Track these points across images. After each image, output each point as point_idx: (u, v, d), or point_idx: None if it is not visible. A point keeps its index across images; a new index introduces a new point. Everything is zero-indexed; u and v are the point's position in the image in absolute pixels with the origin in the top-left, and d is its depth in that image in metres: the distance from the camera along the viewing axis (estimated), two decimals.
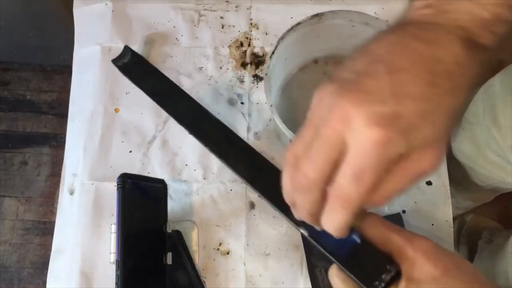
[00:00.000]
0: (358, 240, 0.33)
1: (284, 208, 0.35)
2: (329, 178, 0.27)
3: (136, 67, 0.44)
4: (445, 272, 0.31)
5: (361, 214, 0.33)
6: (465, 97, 0.27)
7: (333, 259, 0.33)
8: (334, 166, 0.27)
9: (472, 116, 0.67)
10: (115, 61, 0.44)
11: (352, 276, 0.32)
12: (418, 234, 0.33)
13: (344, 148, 0.26)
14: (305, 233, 0.34)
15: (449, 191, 0.60)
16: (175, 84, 0.42)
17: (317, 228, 0.32)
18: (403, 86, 0.26)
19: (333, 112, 0.26)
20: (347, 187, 0.27)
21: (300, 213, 0.31)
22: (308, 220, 0.31)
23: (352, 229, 0.33)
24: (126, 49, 0.45)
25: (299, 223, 0.34)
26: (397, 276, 0.32)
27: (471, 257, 0.97)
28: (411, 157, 0.27)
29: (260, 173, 0.37)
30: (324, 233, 0.31)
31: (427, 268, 0.31)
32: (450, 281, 0.30)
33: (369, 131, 0.25)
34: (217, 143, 0.38)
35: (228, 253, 0.58)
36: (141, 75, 0.44)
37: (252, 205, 0.60)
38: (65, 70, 1.35)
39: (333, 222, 0.29)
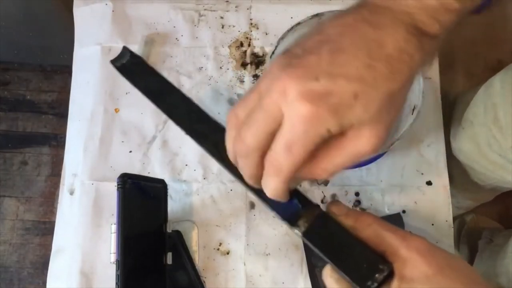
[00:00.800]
0: (299, 206, 0.34)
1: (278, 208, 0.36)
2: (266, 145, 0.29)
3: (134, 68, 0.44)
4: (439, 271, 0.31)
5: (297, 180, 0.33)
6: (405, 82, 0.28)
7: (323, 257, 0.33)
8: (271, 135, 0.28)
9: (473, 116, 0.67)
10: (113, 62, 0.44)
11: (345, 276, 0.32)
12: (412, 233, 0.33)
13: (281, 119, 0.28)
14: (298, 232, 0.35)
15: (449, 191, 0.60)
16: (173, 86, 0.42)
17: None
18: (340, 66, 0.27)
19: (274, 84, 0.27)
20: (279, 156, 0.28)
21: (243, 175, 0.32)
22: (250, 182, 0.32)
23: (294, 195, 0.34)
24: (125, 49, 0.45)
25: (292, 222, 0.35)
26: (390, 275, 0.32)
27: (471, 257, 0.97)
28: (347, 135, 0.28)
29: None
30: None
31: (421, 267, 0.31)
32: (443, 280, 0.30)
33: (299, 106, 0.26)
34: (215, 146, 0.38)
35: (228, 253, 0.58)
36: (140, 75, 0.44)
37: (252, 205, 0.60)
38: (65, 70, 1.35)
39: (268, 187, 0.30)
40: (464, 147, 0.71)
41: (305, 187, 0.60)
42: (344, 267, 0.33)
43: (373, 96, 0.27)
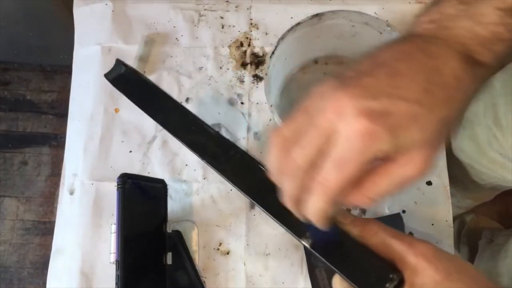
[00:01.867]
0: (336, 237, 0.33)
1: (283, 220, 0.36)
2: (316, 165, 0.28)
3: (128, 81, 0.44)
4: (447, 276, 0.31)
5: (343, 211, 0.33)
6: (459, 109, 0.28)
7: (333, 268, 0.33)
8: (322, 155, 0.28)
9: (473, 115, 0.67)
10: (107, 75, 0.44)
11: (355, 286, 0.32)
12: (419, 238, 0.33)
13: (335, 138, 0.27)
14: (306, 244, 0.34)
15: (449, 191, 0.60)
16: (169, 96, 0.42)
17: (300, 217, 0.32)
18: (399, 89, 0.27)
19: (329, 103, 0.27)
20: (328, 173, 0.28)
21: (284, 198, 0.32)
22: (290, 207, 0.32)
23: (335, 226, 0.33)
24: (118, 62, 0.44)
25: (299, 234, 0.35)
26: (400, 283, 0.32)
27: (471, 257, 0.97)
28: (398, 160, 0.28)
29: (259, 184, 0.37)
30: (319, 237, 0.32)
31: (429, 273, 0.31)
32: (452, 284, 0.31)
33: (357, 122, 0.26)
34: (213, 157, 0.38)
35: (228, 253, 0.58)
36: (134, 88, 0.43)
37: (252, 205, 0.60)
38: (65, 70, 1.35)
39: (312, 207, 0.30)
40: (464, 146, 0.71)
41: None
42: (353, 277, 0.33)
43: (430, 120, 0.27)
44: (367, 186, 0.29)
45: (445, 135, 0.29)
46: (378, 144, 0.26)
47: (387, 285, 0.31)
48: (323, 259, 0.34)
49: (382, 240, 0.33)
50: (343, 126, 0.27)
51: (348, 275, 0.33)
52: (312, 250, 0.34)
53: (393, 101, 0.26)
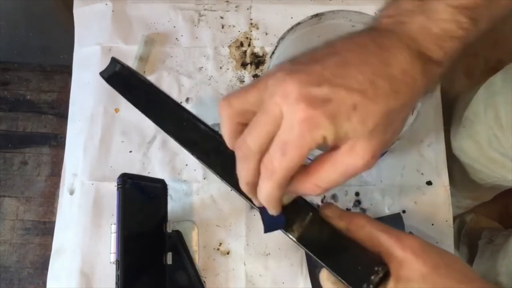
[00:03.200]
0: (282, 224, 0.34)
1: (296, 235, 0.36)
2: (266, 149, 0.29)
3: (123, 78, 0.44)
4: (434, 270, 0.31)
5: (290, 195, 0.33)
6: (407, 104, 0.29)
7: (319, 261, 0.33)
8: (272, 139, 0.28)
9: (473, 115, 0.67)
10: (102, 73, 0.44)
11: (341, 279, 0.32)
12: (406, 233, 0.33)
13: (280, 123, 0.28)
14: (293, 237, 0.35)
15: (449, 191, 0.60)
16: (163, 93, 0.42)
17: (255, 202, 0.33)
18: (344, 78, 0.27)
19: (278, 87, 0.28)
20: (274, 158, 0.28)
21: (240, 182, 0.32)
22: (245, 189, 0.32)
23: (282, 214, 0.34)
24: (113, 60, 0.44)
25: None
26: (386, 276, 0.32)
27: (471, 257, 0.97)
28: (341, 149, 0.28)
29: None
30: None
31: (416, 266, 0.31)
32: (439, 278, 0.31)
33: (297, 107, 0.27)
34: (206, 154, 0.38)
35: (228, 253, 0.58)
36: (128, 86, 0.43)
37: (252, 205, 0.60)
38: (65, 70, 1.35)
39: (262, 192, 0.30)
40: (464, 146, 0.71)
41: None
42: (339, 270, 0.33)
43: (372, 110, 0.27)
44: (314, 173, 0.30)
45: (393, 128, 0.29)
46: (319, 130, 0.27)
47: (372, 277, 0.32)
48: (309, 252, 0.34)
49: (369, 233, 0.33)
50: (286, 110, 0.27)
51: (333, 268, 0.33)
52: (298, 243, 0.34)
53: (335, 89, 0.27)
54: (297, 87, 0.27)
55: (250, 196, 0.33)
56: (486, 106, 0.64)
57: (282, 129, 0.28)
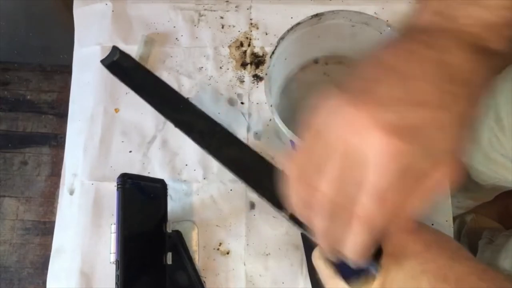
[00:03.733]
0: (374, 272, 0.31)
1: (264, 192, 0.36)
2: (346, 194, 0.25)
3: (123, 66, 0.45)
4: (427, 248, 0.30)
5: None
6: (478, 103, 0.26)
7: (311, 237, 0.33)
8: (352, 182, 0.25)
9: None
10: (103, 61, 0.45)
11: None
12: None
13: (362, 163, 0.24)
14: (286, 216, 0.34)
15: (449, 191, 0.60)
16: (162, 81, 0.43)
17: (331, 255, 0.30)
18: (417, 94, 0.24)
19: (344, 121, 0.24)
20: (368, 205, 0.25)
21: (317, 236, 0.28)
22: (324, 245, 0.29)
23: (372, 259, 0.32)
24: (114, 49, 0.46)
25: (279, 206, 0.35)
26: (379, 254, 0.32)
27: None
28: (430, 171, 0.25)
29: (259, 173, 0.37)
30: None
31: (409, 244, 0.31)
32: (431, 256, 0.30)
33: (384, 142, 0.23)
34: (199, 133, 0.39)
35: (228, 253, 0.58)
36: (129, 73, 0.45)
37: (252, 205, 0.60)
38: (65, 70, 1.35)
39: (353, 244, 0.27)
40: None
41: None
42: None
43: (455, 121, 0.25)
44: (404, 207, 0.26)
45: (468, 129, 0.26)
46: (414, 160, 0.24)
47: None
48: (302, 230, 0.34)
49: None
50: (369, 148, 0.24)
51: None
52: (291, 221, 0.35)
53: (415, 110, 0.24)
54: (372, 118, 0.23)
55: (330, 252, 0.29)
56: (487, 107, 0.64)
57: (372, 172, 0.24)
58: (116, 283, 0.47)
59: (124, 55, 0.45)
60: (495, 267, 0.77)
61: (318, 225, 0.28)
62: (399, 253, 0.31)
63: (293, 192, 0.28)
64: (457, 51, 0.26)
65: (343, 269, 0.33)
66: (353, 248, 0.27)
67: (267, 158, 0.38)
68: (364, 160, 0.24)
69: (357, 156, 0.24)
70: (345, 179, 0.25)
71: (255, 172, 0.36)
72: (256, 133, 0.62)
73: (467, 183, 0.79)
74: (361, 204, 0.25)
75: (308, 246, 0.57)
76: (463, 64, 0.25)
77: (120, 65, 0.45)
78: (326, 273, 0.34)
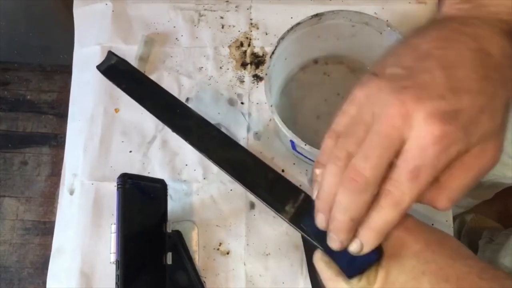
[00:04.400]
0: (375, 257, 0.31)
1: (261, 194, 0.36)
2: (380, 173, 0.26)
3: (120, 72, 0.45)
4: (427, 247, 0.30)
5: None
6: None
7: (310, 240, 0.34)
8: (388, 163, 0.26)
9: None
10: (99, 67, 0.45)
11: (334, 261, 0.33)
12: None
13: (402, 146, 0.26)
14: (285, 219, 0.35)
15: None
16: (158, 85, 0.43)
17: (335, 244, 0.30)
18: (459, 81, 0.25)
19: (392, 108, 0.25)
20: (403, 184, 0.26)
21: (342, 217, 0.28)
22: (347, 228, 0.29)
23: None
24: (110, 54, 0.46)
25: (278, 209, 0.35)
26: (380, 255, 0.32)
27: None
28: (471, 153, 0.26)
29: (258, 176, 0.37)
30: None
31: (408, 243, 0.30)
32: (432, 255, 0.30)
33: (431, 127, 0.24)
34: (201, 140, 0.39)
35: (228, 253, 0.58)
36: (126, 79, 0.45)
37: (252, 205, 0.60)
38: (65, 70, 1.35)
39: (378, 222, 0.28)
40: None
41: (305, 188, 0.60)
42: (332, 251, 0.33)
43: (495, 107, 0.26)
44: (446, 186, 0.27)
45: (507, 117, 0.28)
46: (455, 146, 0.25)
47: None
48: (301, 232, 0.34)
49: None
50: (415, 132, 0.25)
51: (326, 249, 0.33)
52: (291, 224, 0.35)
53: (459, 96, 0.25)
54: (419, 104, 0.25)
55: (345, 234, 0.29)
56: None
57: (412, 152, 0.25)
58: (116, 283, 0.47)
59: (120, 60, 0.45)
60: (495, 265, 0.77)
61: (349, 208, 0.28)
62: (400, 253, 0.31)
63: (330, 177, 0.28)
64: (490, 38, 0.27)
65: (338, 258, 0.33)
66: (383, 223, 0.27)
67: (267, 159, 0.38)
68: (408, 143, 0.25)
69: (400, 140, 0.25)
70: (386, 161, 0.26)
71: (254, 175, 0.36)
72: (256, 133, 0.62)
73: None
74: (392, 181, 0.26)
75: (308, 246, 0.57)
76: (498, 50, 0.26)
77: (116, 70, 0.45)
78: (327, 274, 0.34)
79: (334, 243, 0.30)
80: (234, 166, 0.38)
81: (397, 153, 0.26)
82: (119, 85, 0.44)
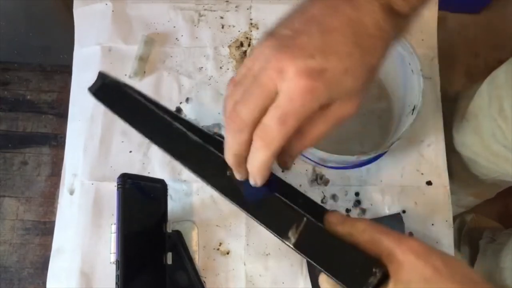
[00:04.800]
0: (269, 192, 0.35)
1: (236, 200, 0.38)
2: (258, 121, 0.31)
3: (111, 92, 0.44)
4: (436, 272, 0.30)
5: (335, 212, 0.36)
6: (382, 57, 0.32)
7: (316, 265, 0.33)
8: (264, 111, 0.31)
9: (477, 108, 0.67)
10: (90, 89, 0.44)
11: (338, 282, 0.32)
12: (408, 236, 0.33)
13: (275, 96, 0.30)
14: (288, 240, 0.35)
15: (449, 191, 0.60)
16: (156, 104, 0.42)
17: (238, 175, 0.35)
18: (331, 45, 0.30)
19: (271, 63, 0.30)
20: (271, 129, 0.30)
21: (226, 153, 0.34)
22: (231, 162, 0.34)
23: (271, 180, 0.35)
24: (100, 75, 0.44)
25: (280, 233, 0.35)
26: (385, 278, 0.32)
27: (472, 257, 0.97)
28: (332, 106, 0.31)
29: (260, 203, 0.37)
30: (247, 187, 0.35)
31: (417, 268, 0.31)
32: (441, 280, 0.30)
33: (298, 81, 0.29)
34: (199, 164, 0.38)
35: (228, 253, 0.58)
36: (118, 100, 0.44)
37: None
38: (65, 70, 1.35)
39: (256, 161, 0.32)
40: (467, 140, 0.71)
41: (305, 188, 0.60)
42: (337, 274, 0.33)
43: (360, 71, 0.30)
44: (307, 134, 0.33)
45: (373, 78, 0.32)
46: (317, 98, 0.30)
47: (370, 279, 0.31)
48: (306, 258, 0.34)
49: (370, 237, 0.33)
50: (285, 85, 0.29)
51: (331, 272, 0.33)
52: (296, 250, 0.34)
53: (327, 58, 0.29)
54: (292, 62, 0.29)
55: (235, 168, 0.34)
56: (490, 99, 0.64)
57: (281, 101, 0.30)
58: (116, 283, 0.47)
59: (112, 81, 0.44)
60: (497, 264, 0.77)
61: (230, 145, 0.33)
62: (407, 276, 0.31)
63: (226, 124, 0.33)
64: (368, 10, 0.31)
65: (247, 190, 0.36)
66: (256, 164, 0.32)
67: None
68: (280, 94, 0.30)
69: (274, 90, 0.30)
70: (261, 108, 0.31)
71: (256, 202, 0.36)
72: None
73: (468, 179, 0.79)
74: (263, 125, 0.31)
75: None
76: (372, 21, 0.31)
77: (109, 91, 0.44)
78: None
79: (235, 174, 0.36)
80: (234, 192, 0.38)
81: (272, 102, 0.30)
82: (110, 107, 0.44)
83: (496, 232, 0.99)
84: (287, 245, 0.34)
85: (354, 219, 0.35)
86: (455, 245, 0.65)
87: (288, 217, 0.35)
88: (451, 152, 0.74)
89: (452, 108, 0.75)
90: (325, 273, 0.33)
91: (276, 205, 0.35)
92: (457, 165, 0.77)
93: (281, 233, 0.35)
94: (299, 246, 0.34)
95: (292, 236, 0.34)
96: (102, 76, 0.43)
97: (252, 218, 0.36)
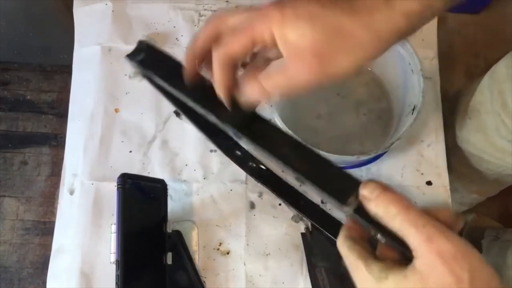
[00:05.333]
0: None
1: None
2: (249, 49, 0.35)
3: (152, 59, 0.44)
4: (458, 282, 0.29)
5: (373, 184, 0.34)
6: (365, 24, 0.32)
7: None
8: (251, 46, 0.34)
9: (479, 104, 0.67)
10: (130, 57, 0.43)
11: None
12: (442, 229, 0.31)
13: (259, 42, 0.34)
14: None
15: (449, 191, 0.60)
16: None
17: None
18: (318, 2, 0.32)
19: (264, 18, 0.33)
20: (228, 40, 0.35)
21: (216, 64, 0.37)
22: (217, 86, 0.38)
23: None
24: (141, 42, 0.44)
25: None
26: (407, 256, 0.31)
27: None
28: (291, 62, 0.33)
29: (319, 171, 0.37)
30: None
31: (439, 273, 0.29)
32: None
33: (264, 7, 0.32)
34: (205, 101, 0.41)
35: (228, 253, 0.58)
36: (158, 66, 0.44)
37: (252, 205, 0.60)
38: (65, 70, 1.35)
39: (215, 78, 0.37)
40: (471, 137, 0.71)
41: (305, 188, 0.60)
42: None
43: (326, 21, 0.31)
44: (264, 78, 0.35)
45: (348, 51, 0.32)
46: (269, 22, 0.32)
47: (350, 200, 0.33)
48: (367, 224, 0.32)
49: (400, 225, 0.31)
50: (257, 14, 0.33)
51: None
52: (355, 215, 0.33)
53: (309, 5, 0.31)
54: (280, 13, 0.32)
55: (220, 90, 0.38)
56: (492, 93, 0.64)
57: (240, 20, 0.34)
58: (116, 283, 0.47)
59: (152, 48, 0.44)
60: (504, 261, 0.78)
61: (225, 48, 0.36)
62: (428, 278, 0.29)
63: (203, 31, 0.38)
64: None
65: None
66: (216, 80, 0.37)
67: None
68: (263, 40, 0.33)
69: (260, 36, 0.33)
70: (247, 43, 0.34)
71: (315, 170, 0.36)
72: None
73: (472, 176, 0.79)
74: (222, 41, 0.35)
75: (308, 246, 0.57)
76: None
77: (150, 59, 0.44)
78: (350, 259, 0.33)
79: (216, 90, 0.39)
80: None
81: (255, 45, 0.34)
82: (155, 72, 0.43)
83: (499, 230, 0.99)
84: (345, 212, 0.33)
85: (389, 200, 0.33)
86: None
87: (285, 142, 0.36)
88: (454, 149, 0.73)
89: (454, 106, 0.75)
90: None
91: (269, 129, 0.37)
92: (460, 162, 0.76)
93: (342, 199, 0.33)
94: (359, 212, 0.33)
95: (353, 203, 0.33)
96: (141, 44, 0.43)
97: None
